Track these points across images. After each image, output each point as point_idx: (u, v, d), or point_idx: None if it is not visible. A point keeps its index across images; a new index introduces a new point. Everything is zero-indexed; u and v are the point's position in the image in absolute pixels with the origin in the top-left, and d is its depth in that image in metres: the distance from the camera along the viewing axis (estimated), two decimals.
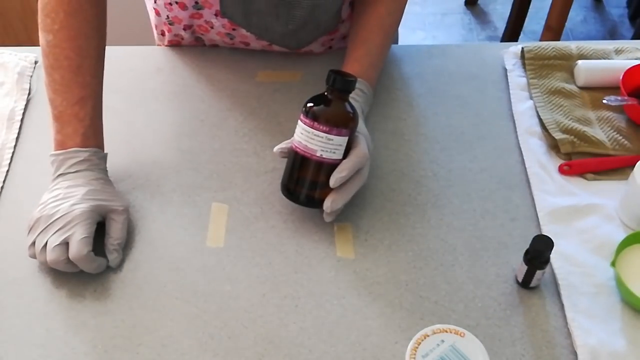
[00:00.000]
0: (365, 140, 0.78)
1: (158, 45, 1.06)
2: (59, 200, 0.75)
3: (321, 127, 0.75)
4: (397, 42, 1.13)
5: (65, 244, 0.73)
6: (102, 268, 0.76)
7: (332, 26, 0.96)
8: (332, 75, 0.75)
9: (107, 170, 0.82)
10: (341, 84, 0.75)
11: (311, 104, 0.76)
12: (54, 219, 0.74)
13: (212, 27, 0.96)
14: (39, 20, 0.82)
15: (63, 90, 0.81)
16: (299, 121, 0.77)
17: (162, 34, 1.02)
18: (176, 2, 0.92)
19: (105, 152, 0.83)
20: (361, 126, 0.81)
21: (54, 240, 0.73)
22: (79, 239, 0.73)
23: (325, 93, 0.77)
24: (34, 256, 0.75)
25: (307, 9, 0.89)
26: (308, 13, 0.90)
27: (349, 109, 0.76)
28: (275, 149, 0.80)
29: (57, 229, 0.73)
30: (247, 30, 0.94)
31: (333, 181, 0.75)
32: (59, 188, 0.77)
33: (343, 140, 0.76)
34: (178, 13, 0.94)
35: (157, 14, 0.98)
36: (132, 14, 1.70)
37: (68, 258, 0.73)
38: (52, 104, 0.81)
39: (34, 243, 0.75)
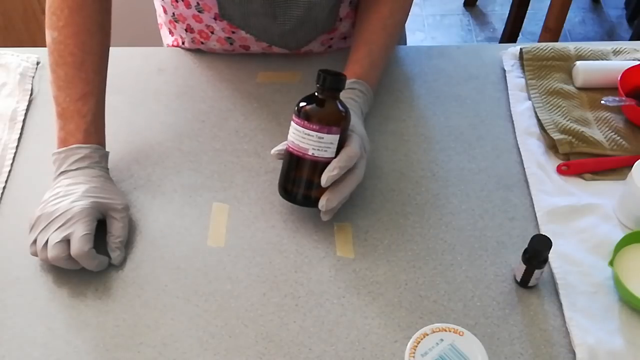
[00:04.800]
0: (359, 140, 0.79)
1: (167, 45, 1.06)
2: (59, 198, 0.76)
3: (312, 125, 0.75)
4: (405, 43, 1.14)
5: (66, 241, 0.74)
6: (104, 266, 0.76)
7: (329, 25, 0.97)
8: (322, 75, 0.76)
9: (108, 169, 0.83)
10: (330, 82, 0.76)
11: (303, 104, 0.77)
12: (54, 216, 0.74)
13: (212, 32, 0.96)
14: (46, 19, 0.83)
15: (66, 86, 0.81)
16: (292, 121, 0.77)
17: (171, 33, 1.03)
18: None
19: (106, 150, 0.83)
20: (357, 126, 0.81)
21: (55, 237, 0.73)
22: (79, 236, 0.73)
23: (316, 93, 0.77)
24: (35, 254, 0.76)
25: (303, 8, 0.89)
26: (305, 12, 0.90)
27: (340, 107, 0.77)
28: (273, 151, 0.80)
29: (57, 227, 0.74)
30: (246, 32, 0.95)
31: (324, 180, 0.75)
32: (60, 186, 0.78)
33: (334, 138, 0.76)
34: (183, 11, 0.95)
35: (165, 11, 0.99)
36: (138, 15, 1.71)
37: (69, 255, 0.73)
38: (56, 101, 0.82)
39: (35, 241, 0.75)
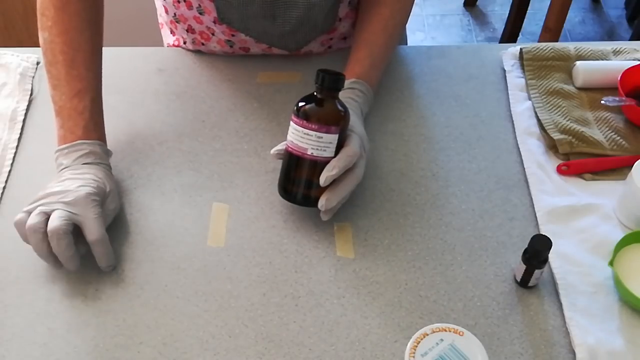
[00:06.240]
0: (358, 139, 0.79)
1: (168, 45, 1.07)
2: (66, 181, 0.76)
3: (311, 125, 0.75)
4: (406, 43, 1.14)
5: (69, 220, 0.72)
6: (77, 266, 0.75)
7: (328, 25, 0.97)
8: (320, 74, 0.76)
9: (110, 166, 0.83)
10: (329, 82, 0.76)
11: (302, 104, 0.77)
12: (60, 194, 0.74)
13: (213, 34, 0.96)
14: (38, 20, 0.84)
15: (60, 84, 0.82)
16: (291, 121, 0.78)
17: (172, 33, 1.03)
18: (184, 0, 0.93)
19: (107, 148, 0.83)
20: (357, 126, 0.81)
21: (61, 212, 0.71)
22: (93, 217, 0.73)
23: (315, 92, 0.77)
24: (21, 222, 0.73)
25: (302, 9, 0.90)
26: (304, 13, 0.90)
27: (339, 107, 0.77)
28: (272, 151, 0.81)
29: (64, 201, 0.73)
30: (246, 35, 0.95)
31: (323, 179, 0.75)
32: (65, 176, 0.77)
33: (333, 137, 0.76)
34: (184, 12, 0.95)
35: (166, 11, 0.99)
36: (138, 15, 1.71)
37: (64, 233, 0.71)
38: (53, 100, 0.82)
39: (29, 211, 0.73)
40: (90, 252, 0.75)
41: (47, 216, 0.72)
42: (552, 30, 1.99)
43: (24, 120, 0.93)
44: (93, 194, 0.75)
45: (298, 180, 0.78)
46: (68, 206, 0.73)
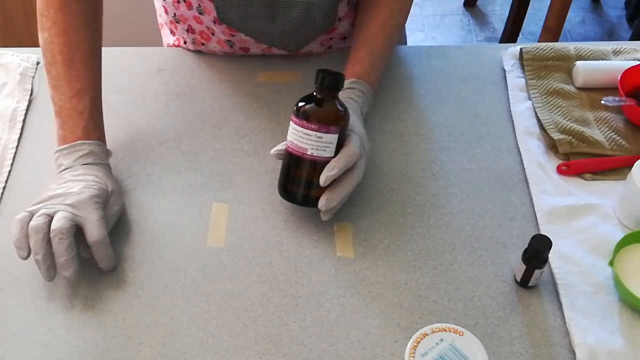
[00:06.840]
0: (358, 139, 0.79)
1: (168, 45, 1.07)
2: (68, 183, 0.76)
3: (310, 125, 0.75)
4: (406, 43, 1.14)
5: (71, 222, 0.72)
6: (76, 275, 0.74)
7: (328, 25, 0.97)
8: (320, 74, 0.76)
9: (110, 167, 0.83)
10: (329, 82, 0.76)
11: (302, 104, 0.77)
12: (62, 196, 0.74)
13: (213, 34, 0.97)
14: (37, 21, 0.84)
15: (60, 84, 0.82)
16: (291, 121, 0.78)
17: (172, 33, 1.03)
18: (184, 0, 0.93)
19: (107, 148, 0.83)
20: (357, 126, 0.81)
21: (64, 213, 0.72)
22: (95, 219, 0.73)
23: (315, 92, 0.78)
24: (23, 221, 0.72)
25: (302, 9, 0.90)
26: (303, 13, 0.90)
27: (338, 107, 0.77)
28: (272, 151, 0.81)
29: (66, 203, 0.73)
30: (246, 35, 0.95)
31: (323, 179, 0.75)
32: (66, 178, 0.77)
33: (333, 137, 0.76)
34: (184, 12, 0.95)
35: (166, 11, 0.99)
36: (138, 15, 1.71)
37: (68, 232, 0.71)
38: (53, 100, 0.82)
39: (32, 212, 0.73)
40: (91, 254, 0.75)
41: (50, 218, 0.72)
42: (552, 30, 1.99)
43: (24, 120, 0.93)
44: (95, 196, 0.75)
45: (298, 180, 0.78)
46: (71, 208, 0.73)
